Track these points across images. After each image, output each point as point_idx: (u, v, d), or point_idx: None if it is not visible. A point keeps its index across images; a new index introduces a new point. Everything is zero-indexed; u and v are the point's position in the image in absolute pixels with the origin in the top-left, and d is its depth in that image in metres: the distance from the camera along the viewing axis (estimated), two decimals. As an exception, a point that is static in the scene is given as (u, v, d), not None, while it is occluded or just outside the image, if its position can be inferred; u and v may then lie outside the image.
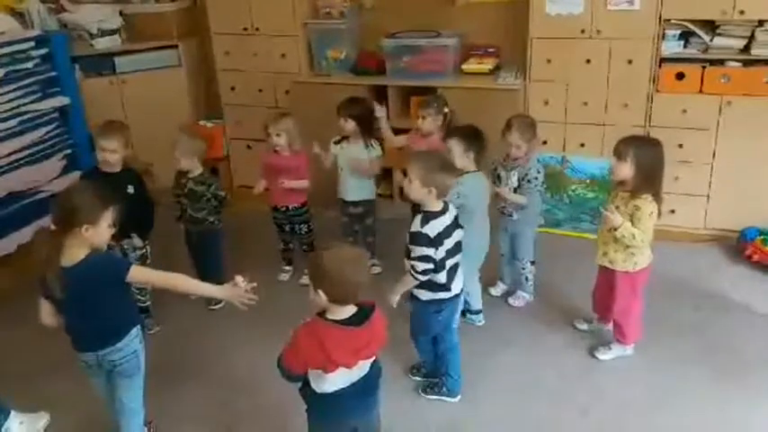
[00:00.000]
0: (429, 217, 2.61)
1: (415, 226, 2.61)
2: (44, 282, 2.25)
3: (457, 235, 2.70)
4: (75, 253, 2.25)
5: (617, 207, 2.91)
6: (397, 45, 4.33)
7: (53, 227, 2.28)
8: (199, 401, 3.01)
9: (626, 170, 2.86)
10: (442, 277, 2.68)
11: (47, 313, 2.37)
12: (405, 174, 2.69)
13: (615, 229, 2.86)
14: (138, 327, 2.49)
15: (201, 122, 5.12)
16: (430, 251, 2.60)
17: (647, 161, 2.84)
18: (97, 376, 2.50)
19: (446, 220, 2.64)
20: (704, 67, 3.84)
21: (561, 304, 3.55)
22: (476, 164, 3.10)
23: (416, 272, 2.62)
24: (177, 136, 3.50)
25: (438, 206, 2.63)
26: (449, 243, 2.65)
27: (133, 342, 2.45)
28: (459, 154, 3.06)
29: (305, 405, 2.22)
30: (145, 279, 2.39)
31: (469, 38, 4.45)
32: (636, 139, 2.95)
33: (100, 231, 2.27)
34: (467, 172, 3.06)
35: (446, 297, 2.75)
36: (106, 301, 2.31)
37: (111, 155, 3.24)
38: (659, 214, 2.88)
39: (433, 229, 2.60)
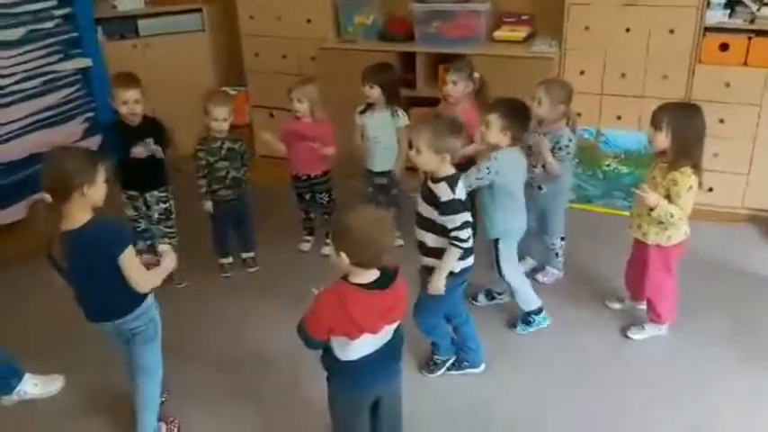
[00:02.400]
0: (453, 181, 2.49)
1: (446, 194, 2.47)
2: (51, 255, 2.21)
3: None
4: (77, 216, 2.19)
5: (653, 178, 2.77)
6: (427, 10, 4.19)
7: (49, 199, 2.19)
8: (215, 371, 2.94)
9: (662, 140, 2.71)
10: (471, 241, 2.58)
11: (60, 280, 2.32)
12: (410, 146, 2.54)
13: (651, 209, 2.72)
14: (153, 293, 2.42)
15: (224, 89, 5.01)
16: (467, 215, 2.49)
17: (682, 130, 2.69)
18: (115, 341, 2.46)
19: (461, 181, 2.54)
20: (750, 39, 3.67)
21: (592, 282, 3.43)
22: (512, 143, 2.87)
23: (462, 240, 2.50)
24: (214, 98, 3.38)
25: (452, 169, 2.51)
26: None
27: (150, 309, 2.40)
28: (497, 130, 2.83)
29: (325, 373, 2.13)
30: (130, 269, 2.22)
31: (502, 4, 4.31)
32: (672, 107, 2.79)
33: (99, 188, 2.24)
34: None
35: (472, 263, 2.65)
36: (116, 267, 2.22)
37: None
38: (700, 186, 2.73)
39: (461, 192, 2.49)
